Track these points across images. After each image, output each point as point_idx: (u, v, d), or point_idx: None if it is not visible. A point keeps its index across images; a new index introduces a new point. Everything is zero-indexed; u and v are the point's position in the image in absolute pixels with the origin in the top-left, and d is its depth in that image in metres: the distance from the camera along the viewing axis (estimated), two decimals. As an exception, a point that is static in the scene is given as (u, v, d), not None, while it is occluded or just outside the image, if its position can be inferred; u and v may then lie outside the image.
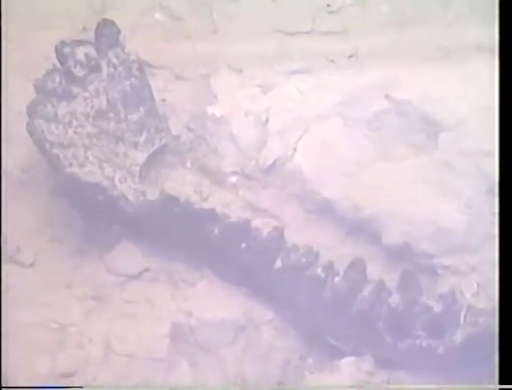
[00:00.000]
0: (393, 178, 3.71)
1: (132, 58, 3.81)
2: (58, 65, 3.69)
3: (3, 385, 3.35)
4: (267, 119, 3.84)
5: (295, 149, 3.77)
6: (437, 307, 3.40)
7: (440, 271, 3.57)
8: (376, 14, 4.13)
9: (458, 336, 3.37)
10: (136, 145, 3.73)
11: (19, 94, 3.72)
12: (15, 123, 3.71)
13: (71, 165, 3.52)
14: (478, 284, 3.50)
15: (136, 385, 3.42)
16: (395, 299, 3.40)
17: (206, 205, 3.61)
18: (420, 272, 3.53)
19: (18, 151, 3.77)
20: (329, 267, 3.45)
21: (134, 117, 3.76)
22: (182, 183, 3.77)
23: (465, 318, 3.38)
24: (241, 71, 3.99)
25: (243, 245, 3.52)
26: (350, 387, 3.38)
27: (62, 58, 3.69)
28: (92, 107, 3.68)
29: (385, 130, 3.83)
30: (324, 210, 3.71)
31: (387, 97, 3.86)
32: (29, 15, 4.13)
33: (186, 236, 3.58)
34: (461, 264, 3.56)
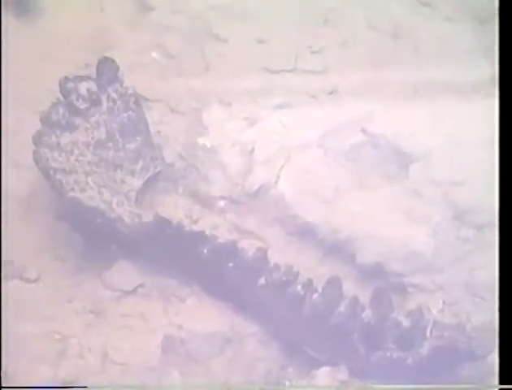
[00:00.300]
0: (368, 204, 3.81)
1: (130, 92, 3.91)
2: (62, 99, 3.80)
3: (3, 385, 3.39)
4: (253, 149, 3.93)
5: (278, 177, 3.86)
6: (406, 322, 3.49)
7: (409, 289, 3.66)
8: (354, 55, 4.24)
9: (425, 349, 3.46)
10: (132, 172, 3.84)
11: (27, 125, 3.80)
12: (23, 152, 3.79)
13: (72, 190, 3.61)
14: (443, 302, 3.61)
15: (136, 385, 3.50)
16: (368, 314, 3.49)
17: (196, 228, 3.70)
18: (391, 290, 3.62)
19: (25, 177, 3.86)
20: (308, 285, 3.53)
21: (131, 146, 3.87)
22: (174, 207, 3.86)
23: (431, 333, 3.47)
24: (230, 105, 4.08)
25: (230, 264, 3.59)
26: (337, 387, 3.48)
27: (65, 92, 3.81)
28: (92, 137, 3.79)
29: (361, 161, 3.93)
30: (304, 233, 3.80)
31: (363, 130, 3.96)
32: (36, 53, 4.23)
33: (178, 255, 3.66)
34: (428, 283, 3.66)
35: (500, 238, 3.30)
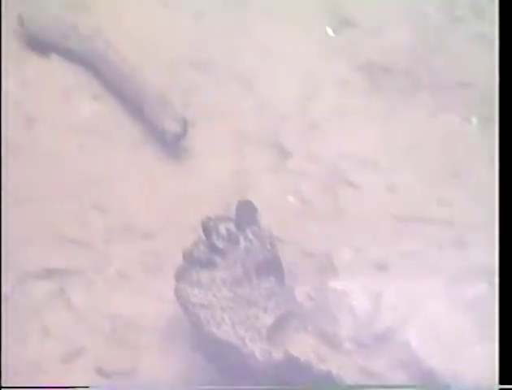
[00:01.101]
0: (492, 355, 3.47)
1: (266, 234, 3.87)
2: (203, 237, 3.80)
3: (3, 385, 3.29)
4: (381, 294, 3.81)
5: (405, 322, 3.73)
6: None
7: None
8: (481, 207, 4.14)
9: None
10: (265, 309, 3.75)
11: (171, 260, 3.84)
12: (165, 287, 3.80)
13: (208, 324, 3.58)
14: None
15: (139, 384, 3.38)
16: None
17: (323, 367, 3.58)
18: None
19: (167, 310, 3.86)
20: (431, 432, 3.38)
21: (265, 285, 3.80)
22: (303, 345, 3.73)
23: None
24: (360, 250, 4.04)
25: (355, 406, 3.47)
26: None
27: (206, 231, 3.80)
28: (229, 275, 3.76)
29: (484, 311, 3.72)
30: (427, 378, 3.61)
31: (488, 281, 3.79)
32: (183, 193, 4.30)
33: (305, 393, 3.56)
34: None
35: None
